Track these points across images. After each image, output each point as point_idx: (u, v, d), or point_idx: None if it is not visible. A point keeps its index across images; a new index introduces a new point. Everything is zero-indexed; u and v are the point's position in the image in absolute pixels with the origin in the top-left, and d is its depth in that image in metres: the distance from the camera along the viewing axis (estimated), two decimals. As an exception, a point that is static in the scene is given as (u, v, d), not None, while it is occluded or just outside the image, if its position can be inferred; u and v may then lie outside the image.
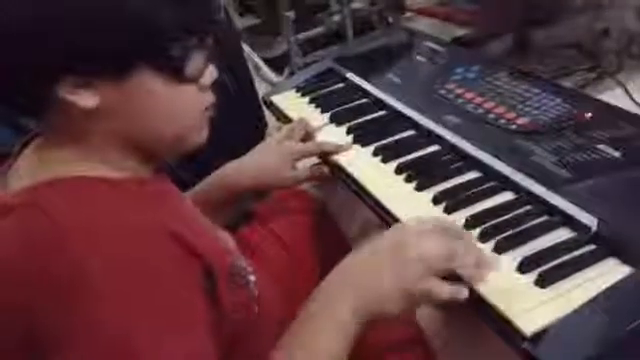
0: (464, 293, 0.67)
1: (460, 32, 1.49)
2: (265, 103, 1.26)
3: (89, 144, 0.65)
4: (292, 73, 1.48)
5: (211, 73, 0.70)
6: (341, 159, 0.99)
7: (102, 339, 0.54)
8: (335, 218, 1.09)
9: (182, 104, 0.67)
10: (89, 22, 0.59)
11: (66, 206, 0.59)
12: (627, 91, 1.10)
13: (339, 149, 1.00)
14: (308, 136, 1.04)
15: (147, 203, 0.65)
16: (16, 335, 0.57)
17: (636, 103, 1.05)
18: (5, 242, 0.59)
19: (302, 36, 1.78)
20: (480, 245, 0.74)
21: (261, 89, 1.49)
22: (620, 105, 0.95)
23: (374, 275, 0.68)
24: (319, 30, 1.78)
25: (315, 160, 1.04)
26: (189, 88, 0.67)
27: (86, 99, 0.61)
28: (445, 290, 0.67)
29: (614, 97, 1.05)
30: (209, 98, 0.71)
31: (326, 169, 1.01)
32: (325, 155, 1.01)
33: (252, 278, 0.76)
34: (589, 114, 0.91)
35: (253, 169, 0.98)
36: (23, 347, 0.57)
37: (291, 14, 1.68)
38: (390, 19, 1.67)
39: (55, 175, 0.62)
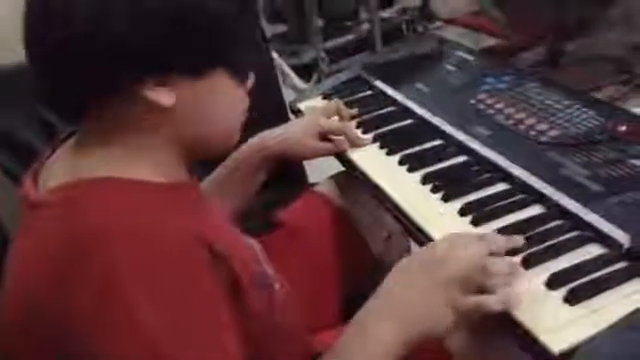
0: (516, 302, 0.66)
1: (490, 42, 1.48)
2: (292, 110, 1.25)
3: (143, 144, 0.65)
4: (319, 81, 1.47)
5: (251, 78, 0.72)
6: (366, 167, 0.98)
7: (131, 343, 0.54)
8: (360, 228, 1.07)
9: (237, 106, 0.71)
10: (177, 22, 0.61)
11: (105, 207, 0.60)
12: (663, 105, 1.07)
13: (359, 140, 1.02)
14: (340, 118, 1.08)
15: (181, 209, 0.65)
16: (48, 335, 0.57)
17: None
18: (47, 237, 0.60)
19: (330, 44, 1.77)
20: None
21: (288, 96, 1.48)
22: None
23: (417, 296, 0.67)
24: (348, 38, 1.77)
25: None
26: (241, 91, 0.70)
27: (164, 97, 0.62)
28: (495, 301, 0.65)
29: (649, 111, 1.02)
30: (247, 101, 0.73)
31: (346, 145, 1.02)
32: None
33: (277, 286, 0.76)
34: (623, 127, 0.88)
35: (276, 135, 1.01)
36: (53, 348, 0.57)
37: (319, 22, 1.68)
38: (419, 28, 1.66)
39: (95, 175, 0.62)
